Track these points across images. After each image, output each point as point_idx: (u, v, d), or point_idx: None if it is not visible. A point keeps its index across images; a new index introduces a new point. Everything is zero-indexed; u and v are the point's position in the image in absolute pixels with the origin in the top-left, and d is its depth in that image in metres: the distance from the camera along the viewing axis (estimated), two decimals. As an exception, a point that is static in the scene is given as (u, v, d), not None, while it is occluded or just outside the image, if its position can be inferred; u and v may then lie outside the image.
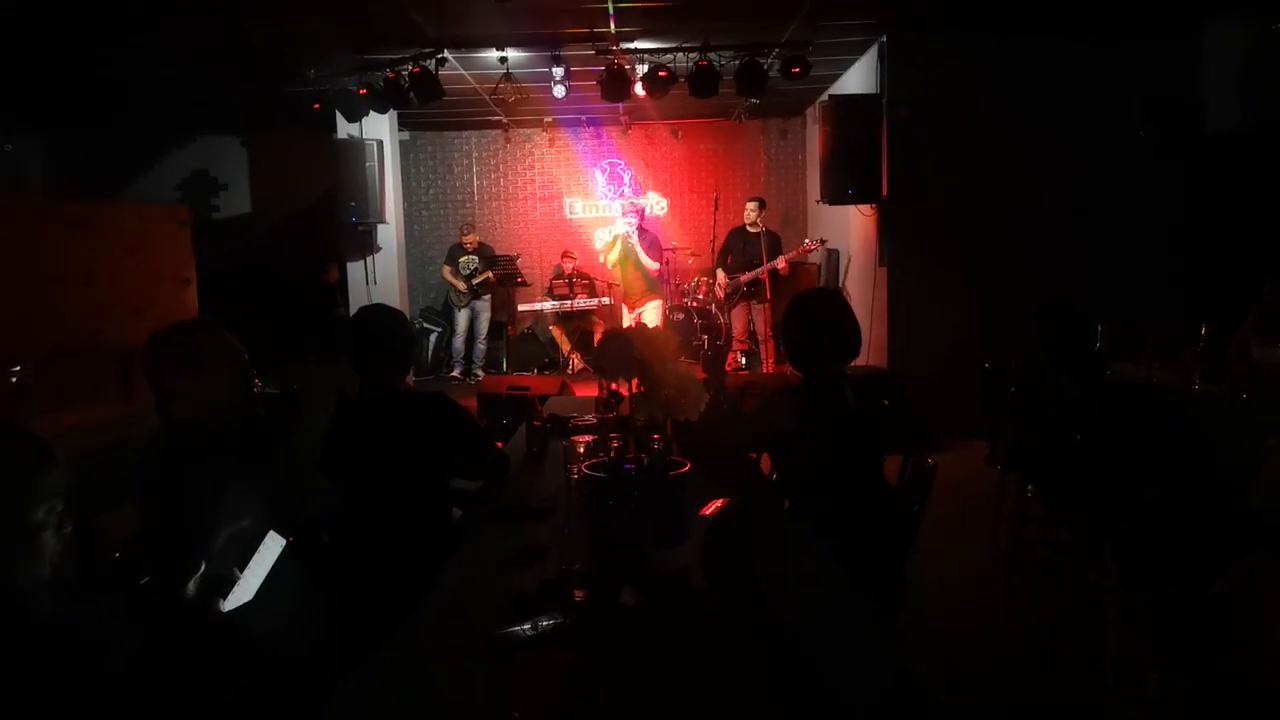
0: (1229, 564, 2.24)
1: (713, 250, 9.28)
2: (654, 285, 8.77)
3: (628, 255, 8.65)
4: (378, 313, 3.10)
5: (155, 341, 2.15)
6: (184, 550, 1.87)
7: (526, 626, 1.73)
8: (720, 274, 8.69)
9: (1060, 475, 4.05)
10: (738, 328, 8.74)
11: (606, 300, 9.55)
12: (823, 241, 8.57)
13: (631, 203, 9.40)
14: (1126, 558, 3.05)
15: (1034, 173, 6.86)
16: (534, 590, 1.89)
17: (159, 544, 1.92)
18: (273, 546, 1.85)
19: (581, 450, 2.61)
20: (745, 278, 8.38)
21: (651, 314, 8.67)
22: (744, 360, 8.63)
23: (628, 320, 8.75)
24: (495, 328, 9.88)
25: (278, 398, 2.27)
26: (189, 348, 2.14)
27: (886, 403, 3.39)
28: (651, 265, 8.64)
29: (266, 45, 6.89)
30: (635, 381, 2.61)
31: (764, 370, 8.52)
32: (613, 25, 6.51)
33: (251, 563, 1.83)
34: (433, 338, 10.09)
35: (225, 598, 1.84)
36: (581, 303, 9.59)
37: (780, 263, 8.17)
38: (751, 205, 8.59)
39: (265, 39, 6.73)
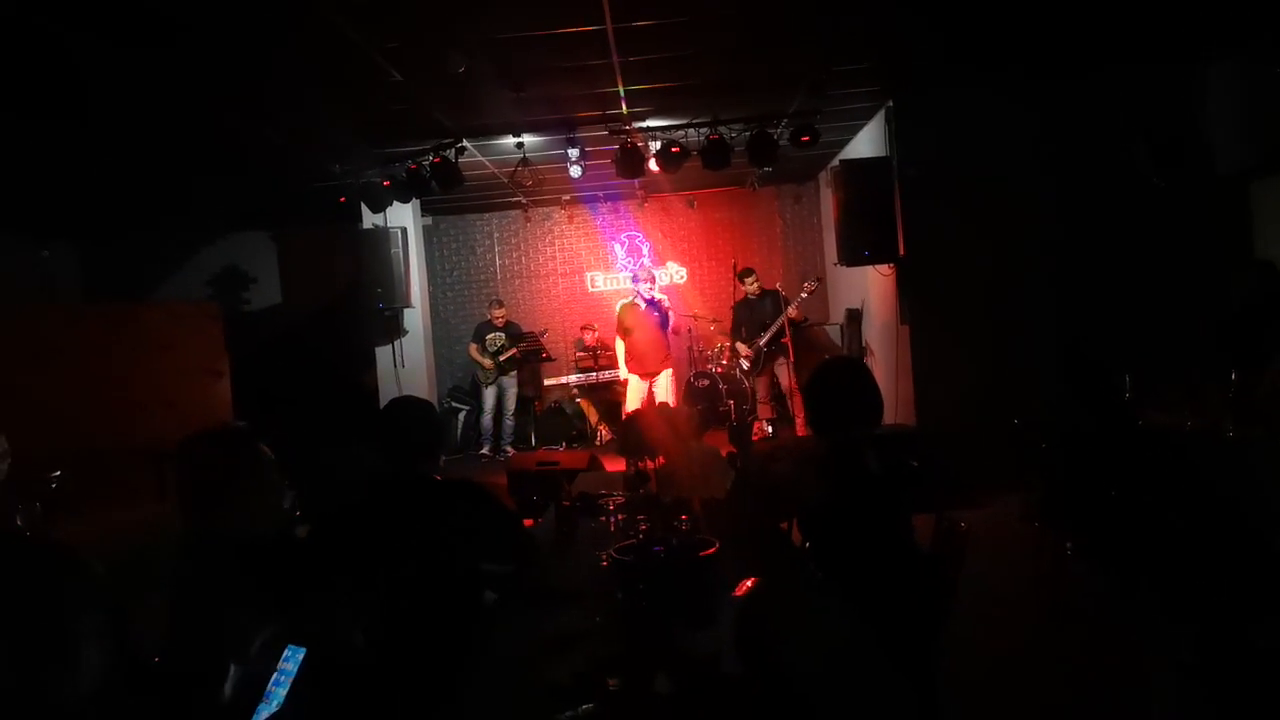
0: (1274, 610, 2.20)
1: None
2: (667, 353, 8.81)
3: (641, 321, 8.66)
4: (406, 404, 3.15)
5: (188, 450, 2.14)
6: (211, 657, 1.89)
7: (567, 715, 1.73)
8: (741, 346, 8.78)
9: (1099, 530, 3.98)
10: (761, 391, 8.75)
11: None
12: (818, 280, 8.79)
13: (644, 266, 9.45)
14: (1170, 610, 2.99)
15: (1049, 221, 6.86)
16: (567, 679, 1.89)
17: (186, 649, 1.94)
18: (293, 657, 1.86)
19: (611, 531, 2.63)
20: (763, 340, 8.46)
21: (665, 382, 8.67)
22: (770, 429, 8.63)
23: (637, 388, 8.69)
24: (522, 403, 9.95)
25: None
26: (223, 462, 2.13)
27: (915, 464, 3.38)
28: (665, 325, 8.71)
29: (292, 145, 7.15)
30: (660, 460, 2.63)
31: (795, 433, 8.49)
32: (624, 107, 6.70)
33: (275, 672, 1.85)
34: (461, 416, 10.17)
35: (261, 701, 1.85)
36: (607, 374, 9.65)
37: (792, 311, 8.33)
38: (742, 277, 8.82)
39: (291, 140, 6.99)
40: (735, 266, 9.74)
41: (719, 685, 1.83)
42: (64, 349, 7.18)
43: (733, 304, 9.08)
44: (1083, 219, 6.92)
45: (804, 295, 8.44)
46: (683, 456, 2.41)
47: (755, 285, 8.73)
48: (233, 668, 1.87)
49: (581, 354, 10.00)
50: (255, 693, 1.81)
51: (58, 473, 4.64)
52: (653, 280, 8.89)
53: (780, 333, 8.39)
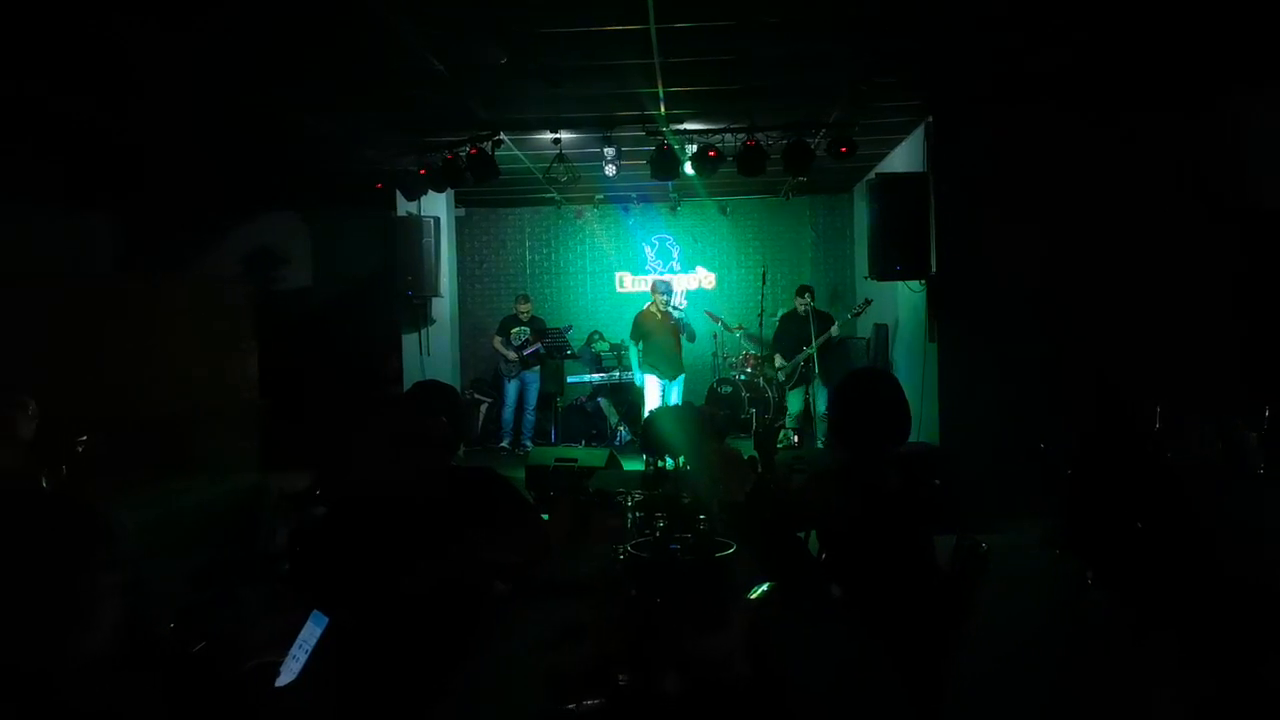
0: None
1: (760, 325, 9.36)
2: (680, 361, 8.87)
3: (666, 327, 8.66)
4: (430, 388, 3.15)
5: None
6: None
7: (569, 708, 1.71)
8: (778, 358, 8.85)
9: (1121, 560, 3.92)
10: (796, 406, 8.79)
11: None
12: (868, 301, 8.85)
13: (667, 281, 9.34)
14: (1188, 645, 2.93)
15: (1083, 247, 6.77)
16: (575, 672, 1.88)
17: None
18: (314, 628, 1.86)
19: (628, 528, 2.62)
20: (800, 357, 8.56)
21: (679, 387, 8.76)
22: (795, 438, 8.60)
23: (655, 389, 8.68)
24: (544, 399, 9.96)
25: None
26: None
27: (938, 482, 3.34)
28: (689, 335, 8.76)
29: (332, 129, 7.21)
30: (680, 460, 2.62)
31: (817, 447, 8.47)
32: (663, 108, 6.70)
33: (295, 643, 1.85)
34: (483, 409, 10.20)
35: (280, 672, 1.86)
36: (629, 375, 9.64)
37: (833, 329, 8.51)
38: (797, 295, 8.85)
39: (330, 124, 7.05)
40: (764, 275, 9.73)
41: (728, 688, 1.81)
42: (96, 319, 7.27)
43: (783, 317, 9.09)
44: (1120, 247, 6.82)
45: (850, 316, 8.58)
46: (703, 457, 2.39)
47: (805, 304, 8.68)
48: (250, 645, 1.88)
49: (606, 354, 10.03)
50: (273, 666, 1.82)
51: (84, 437, 4.69)
52: (672, 294, 8.96)
53: (812, 356, 8.44)
